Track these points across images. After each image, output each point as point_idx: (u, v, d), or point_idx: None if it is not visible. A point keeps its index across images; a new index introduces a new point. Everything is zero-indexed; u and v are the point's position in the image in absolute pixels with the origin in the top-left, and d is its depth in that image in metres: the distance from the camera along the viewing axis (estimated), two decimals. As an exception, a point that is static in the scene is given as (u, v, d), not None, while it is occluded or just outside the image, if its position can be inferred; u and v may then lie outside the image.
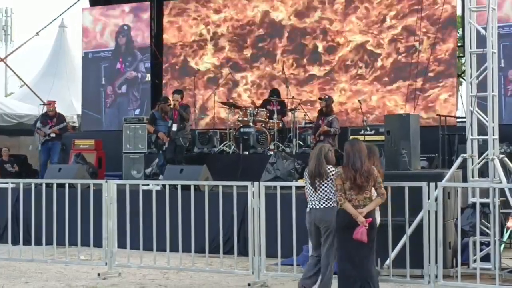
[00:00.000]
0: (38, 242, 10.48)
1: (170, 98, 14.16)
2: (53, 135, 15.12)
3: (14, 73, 20.96)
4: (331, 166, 7.86)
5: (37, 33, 19.74)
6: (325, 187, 7.83)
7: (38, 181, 11.42)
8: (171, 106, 14.04)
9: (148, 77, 18.30)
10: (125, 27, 18.64)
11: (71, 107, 20.44)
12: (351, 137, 14.14)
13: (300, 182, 9.47)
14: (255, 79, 17.33)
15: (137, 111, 18.12)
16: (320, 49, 16.74)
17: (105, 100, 18.75)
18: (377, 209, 7.77)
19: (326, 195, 7.82)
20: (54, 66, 22.32)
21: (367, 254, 7.52)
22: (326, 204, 7.81)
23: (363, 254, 7.49)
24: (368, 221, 7.42)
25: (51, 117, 15.30)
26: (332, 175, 7.76)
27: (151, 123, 14.32)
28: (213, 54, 17.79)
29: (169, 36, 18.27)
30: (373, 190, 7.58)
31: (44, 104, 15.75)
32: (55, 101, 15.82)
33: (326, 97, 14.00)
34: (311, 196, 7.90)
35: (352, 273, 7.50)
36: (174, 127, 13.77)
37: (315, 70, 16.77)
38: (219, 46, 17.73)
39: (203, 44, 17.92)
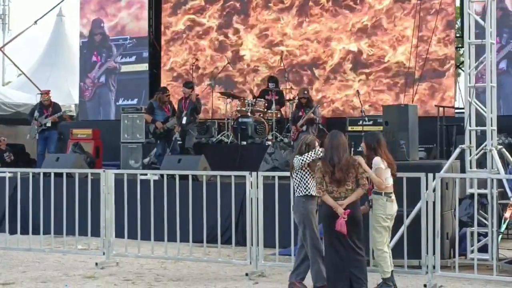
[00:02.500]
0: (36, 232, 10.50)
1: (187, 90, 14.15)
2: (49, 124, 15.10)
3: (12, 62, 20.93)
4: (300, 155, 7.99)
5: (35, 22, 19.70)
6: (294, 177, 8.05)
7: (36, 170, 11.42)
8: (167, 97, 14.17)
9: (122, 68, 18.36)
10: (101, 22, 18.62)
11: (68, 96, 20.41)
12: (349, 127, 14.18)
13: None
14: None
15: (120, 101, 18.16)
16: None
17: (84, 92, 18.83)
18: (381, 202, 7.84)
19: (295, 185, 8.04)
20: (52, 55, 22.25)
21: (352, 244, 7.56)
22: (297, 194, 8.04)
23: (348, 244, 7.55)
24: (347, 212, 7.47)
25: (46, 106, 15.28)
26: (299, 163, 7.89)
27: (149, 113, 14.32)
28: (212, 43, 17.77)
29: (167, 26, 18.23)
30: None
31: (40, 94, 15.73)
32: (49, 91, 15.79)
33: (305, 91, 14.06)
34: None
35: (338, 263, 7.57)
36: (184, 120, 13.77)
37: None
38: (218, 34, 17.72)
39: (201, 33, 17.88)
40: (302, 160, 7.89)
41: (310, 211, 7.93)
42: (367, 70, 16.20)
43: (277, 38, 17.08)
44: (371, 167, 7.86)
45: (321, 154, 7.86)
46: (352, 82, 16.32)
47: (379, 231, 7.88)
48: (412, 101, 13.89)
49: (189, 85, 14.26)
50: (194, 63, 16.99)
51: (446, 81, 15.55)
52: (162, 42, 18.32)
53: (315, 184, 7.85)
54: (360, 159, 7.74)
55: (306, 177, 7.94)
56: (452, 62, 15.69)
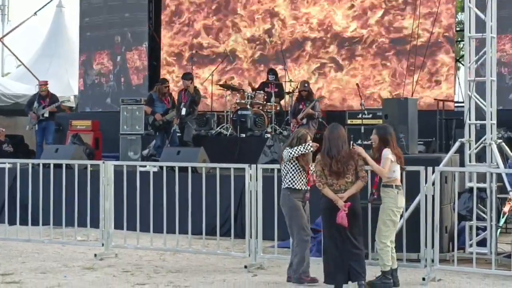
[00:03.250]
0: (35, 223, 10.50)
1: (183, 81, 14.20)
2: (46, 115, 15.09)
3: (12, 52, 20.89)
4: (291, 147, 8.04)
5: (35, 13, 19.67)
6: (283, 169, 8.14)
7: (35, 161, 11.41)
8: (167, 88, 14.28)
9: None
10: (100, 13, 18.58)
11: (68, 87, 20.38)
12: (348, 120, 14.18)
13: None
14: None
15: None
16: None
17: (85, 83, 18.81)
18: (392, 194, 7.84)
19: (283, 177, 8.13)
20: (52, 46, 22.19)
21: (351, 237, 7.58)
22: (283, 185, 8.12)
23: (347, 237, 7.58)
24: (347, 205, 7.51)
25: (44, 97, 15.27)
26: (286, 157, 7.97)
27: (149, 104, 14.33)
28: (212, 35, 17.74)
29: (167, 17, 18.19)
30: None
31: (38, 84, 15.74)
32: (47, 81, 15.78)
33: (305, 84, 14.06)
34: None
35: (337, 256, 7.59)
36: (183, 111, 13.78)
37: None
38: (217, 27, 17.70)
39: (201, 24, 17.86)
40: (290, 153, 7.96)
41: (296, 204, 8.01)
42: (364, 54, 16.19)
43: (274, 20, 17.03)
44: (380, 159, 7.86)
45: (311, 149, 7.96)
46: (348, 66, 16.32)
47: (387, 225, 7.86)
48: (412, 94, 13.89)
49: (187, 76, 14.23)
50: (193, 56, 16.93)
51: (445, 75, 15.53)
52: (162, 32, 18.26)
53: (301, 178, 7.94)
54: (360, 149, 7.75)
55: (292, 170, 8.02)
56: (452, 54, 15.71)
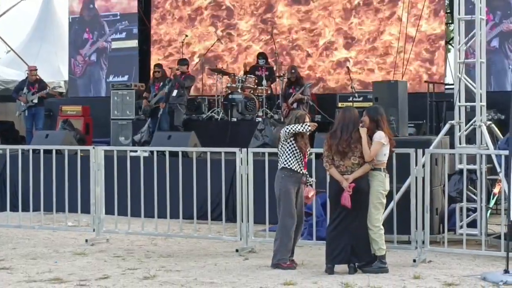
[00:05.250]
0: (26, 208, 10.49)
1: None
2: (35, 100, 15.05)
3: (0, 38, 20.75)
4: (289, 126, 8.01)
5: (24, -3, 19.56)
6: (279, 149, 8.08)
7: (25, 147, 11.39)
8: (157, 73, 14.52)
9: (113, 45, 18.22)
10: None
11: (58, 72, 20.28)
12: (339, 104, 14.19)
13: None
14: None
15: (111, 78, 18.06)
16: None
17: (74, 69, 18.69)
18: (380, 178, 7.83)
19: (278, 157, 8.08)
20: (41, 31, 22.04)
21: (355, 220, 7.60)
22: (278, 165, 8.05)
23: (351, 219, 7.61)
24: (351, 186, 7.52)
25: (32, 83, 15.23)
26: (283, 135, 7.94)
27: (147, 90, 14.73)
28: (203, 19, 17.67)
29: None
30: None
31: (30, 70, 15.69)
32: (36, 67, 15.72)
33: (292, 70, 14.02)
34: None
35: (340, 238, 7.61)
36: (175, 93, 13.81)
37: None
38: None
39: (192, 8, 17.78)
40: (287, 129, 7.90)
41: (288, 189, 7.95)
42: (357, 48, 16.12)
43: (269, 15, 16.96)
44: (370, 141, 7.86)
45: (309, 129, 7.90)
46: (342, 59, 16.25)
47: (377, 208, 7.82)
48: (402, 77, 13.89)
49: (183, 62, 14.38)
50: (183, 40, 16.87)
51: (436, 57, 15.52)
52: (152, 19, 18.17)
53: (296, 159, 7.92)
54: (362, 130, 7.72)
55: (288, 149, 7.95)
56: (442, 38, 15.67)
